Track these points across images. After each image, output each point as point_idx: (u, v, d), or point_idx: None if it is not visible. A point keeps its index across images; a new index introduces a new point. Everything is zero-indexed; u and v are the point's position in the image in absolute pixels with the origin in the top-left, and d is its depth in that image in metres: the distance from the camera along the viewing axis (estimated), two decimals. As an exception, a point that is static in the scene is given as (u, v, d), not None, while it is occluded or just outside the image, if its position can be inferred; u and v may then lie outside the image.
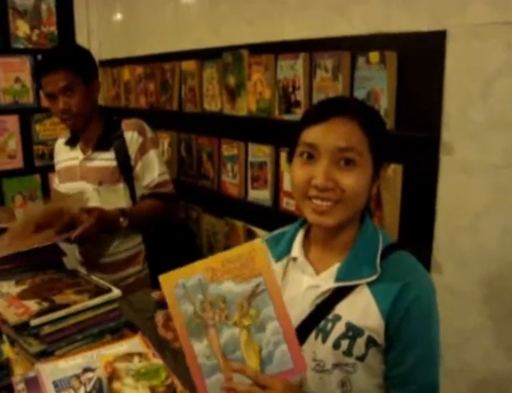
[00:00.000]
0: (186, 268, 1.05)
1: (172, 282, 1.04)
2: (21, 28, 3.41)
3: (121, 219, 2.06)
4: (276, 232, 1.34)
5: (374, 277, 1.11)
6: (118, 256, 2.22)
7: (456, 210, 1.63)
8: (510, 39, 1.45)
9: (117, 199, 2.16)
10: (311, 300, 1.16)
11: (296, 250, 1.23)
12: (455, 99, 1.58)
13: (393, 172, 1.70)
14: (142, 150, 2.17)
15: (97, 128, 2.20)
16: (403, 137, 1.68)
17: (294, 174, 1.14)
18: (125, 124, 2.20)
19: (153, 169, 2.19)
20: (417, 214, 1.72)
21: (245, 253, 1.01)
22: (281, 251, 1.26)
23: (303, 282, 1.19)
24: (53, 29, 3.54)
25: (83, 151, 2.21)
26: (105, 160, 2.16)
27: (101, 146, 2.17)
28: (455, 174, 1.61)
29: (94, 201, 2.12)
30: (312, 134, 1.10)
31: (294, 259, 1.23)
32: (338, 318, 1.12)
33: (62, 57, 2.09)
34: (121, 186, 2.18)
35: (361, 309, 1.11)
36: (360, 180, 1.08)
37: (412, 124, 1.69)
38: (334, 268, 1.16)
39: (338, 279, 1.14)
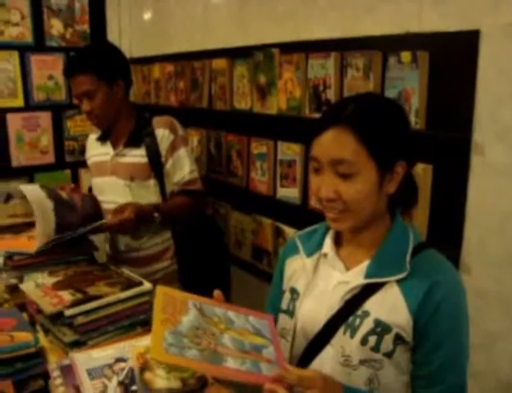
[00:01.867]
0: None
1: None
2: (55, 26, 3.48)
3: (155, 215, 2.10)
4: (307, 229, 1.36)
5: (403, 275, 1.12)
6: (147, 251, 2.25)
7: (486, 212, 1.62)
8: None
9: (148, 195, 2.20)
10: (340, 296, 1.17)
11: (327, 246, 1.25)
12: (487, 100, 1.57)
13: (424, 171, 1.69)
14: (173, 147, 2.20)
15: (129, 125, 2.24)
16: (434, 137, 1.67)
17: (310, 184, 1.22)
18: (156, 121, 2.23)
19: (183, 167, 2.22)
20: (447, 215, 1.71)
21: None
22: (313, 247, 1.28)
23: (333, 277, 1.21)
24: (86, 27, 3.60)
25: (114, 147, 2.25)
26: (136, 156, 2.20)
27: (132, 143, 2.21)
28: (486, 176, 1.60)
29: (125, 196, 2.16)
30: (315, 148, 1.15)
31: (325, 255, 1.24)
32: (366, 314, 1.13)
33: (84, 61, 2.14)
34: (151, 182, 2.21)
35: (390, 305, 1.11)
36: (360, 189, 1.10)
37: (443, 124, 1.68)
38: (363, 265, 1.17)
39: (367, 276, 1.15)
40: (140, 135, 2.20)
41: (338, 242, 1.26)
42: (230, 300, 2.73)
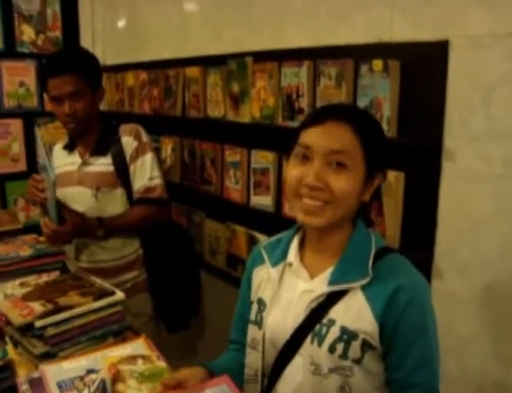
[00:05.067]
0: None
1: None
2: (26, 32, 3.44)
3: (97, 231, 2.08)
4: (272, 238, 1.35)
5: (366, 281, 1.12)
6: (115, 262, 2.22)
7: (458, 217, 1.64)
8: (510, 50, 1.47)
9: (114, 204, 2.18)
10: (305, 305, 1.17)
11: (292, 255, 1.24)
12: (457, 108, 1.60)
13: (395, 179, 1.71)
14: (136, 154, 2.17)
15: (96, 133, 2.21)
16: (405, 144, 1.69)
17: (288, 174, 1.17)
18: (122, 129, 2.21)
19: (144, 174, 2.18)
20: (419, 221, 1.73)
21: None
22: (278, 257, 1.27)
23: (298, 286, 1.20)
24: (58, 34, 3.57)
25: (81, 156, 2.21)
26: (103, 165, 2.17)
27: (98, 151, 2.18)
28: (457, 182, 1.63)
29: (92, 206, 2.14)
30: (308, 136, 1.14)
31: (290, 264, 1.24)
32: (332, 322, 1.13)
33: (72, 61, 2.09)
34: (118, 191, 2.18)
35: (355, 312, 1.11)
36: (350, 184, 1.11)
37: (414, 131, 1.70)
38: (327, 273, 1.17)
39: (330, 283, 1.15)
40: (106, 143, 2.18)
41: (302, 250, 1.25)
42: (202, 307, 2.72)
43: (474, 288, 1.62)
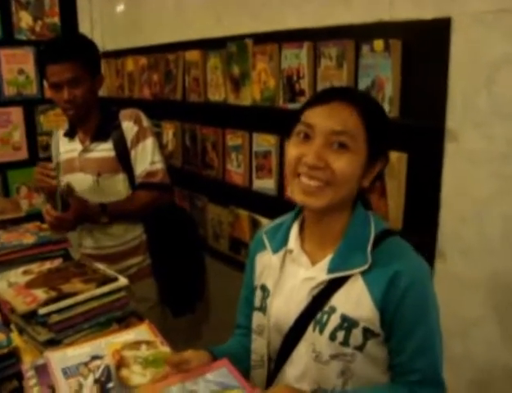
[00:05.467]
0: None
1: None
2: (24, 19, 3.41)
3: (100, 216, 2.09)
4: (272, 223, 1.34)
5: (365, 267, 1.11)
6: (119, 248, 2.24)
7: (461, 199, 1.63)
8: (514, 27, 1.45)
9: (116, 189, 2.18)
10: (307, 292, 1.16)
11: (292, 241, 1.23)
12: (460, 87, 1.58)
13: (398, 160, 1.70)
14: (136, 139, 2.17)
15: (95, 119, 2.21)
16: (408, 125, 1.68)
17: (288, 152, 1.16)
18: (122, 114, 2.21)
19: (145, 159, 2.18)
20: (422, 203, 1.72)
21: None
22: (278, 243, 1.26)
23: (300, 273, 1.20)
24: (56, 20, 3.54)
25: (82, 143, 2.22)
26: (104, 150, 2.17)
27: (98, 137, 2.18)
28: (460, 163, 1.61)
29: (94, 192, 2.15)
30: (311, 115, 1.12)
31: (291, 251, 1.23)
32: (333, 309, 1.12)
33: (70, 48, 2.08)
34: (120, 176, 2.19)
35: (355, 299, 1.11)
36: (351, 165, 1.09)
37: (417, 112, 1.68)
38: (327, 259, 1.16)
39: (330, 270, 1.14)
40: (106, 129, 2.18)
41: (302, 235, 1.24)
42: (207, 292, 2.73)
43: (478, 270, 1.61)
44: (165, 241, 2.31)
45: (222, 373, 1.12)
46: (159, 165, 2.21)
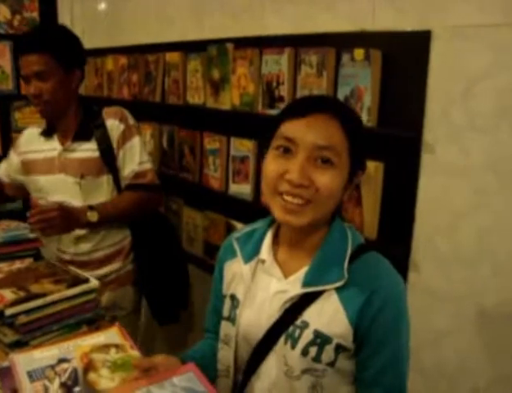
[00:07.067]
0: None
1: None
2: (2, 12, 3.36)
3: (88, 214, 1.95)
4: (245, 229, 1.29)
5: (341, 283, 1.08)
6: (98, 253, 2.13)
7: (436, 210, 1.64)
8: (493, 41, 1.47)
9: (100, 192, 2.06)
10: (279, 305, 1.13)
11: (265, 251, 1.19)
12: (438, 99, 1.60)
13: (375, 169, 1.70)
14: (124, 138, 2.05)
15: (75, 118, 2.08)
16: (385, 135, 1.68)
17: (266, 167, 1.09)
18: (106, 112, 2.08)
19: (133, 159, 2.07)
20: (397, 213, 1.73)
21: None
22: (250, 252, 1.21)
23: (272, 285, 1.16)
24: (35, 15, 3.49)
25: (62, 142, 2.07)
26: (87, 150, 2.03)
27: (81, 136, 2.04)
28: (436, 175, 1.63)
29: (75, 195, 2.03)
30: (292, 128, 1.06)
31: (263, 261, 1.19)
32: (306, 325, 1.09)
33: (42, 39, 1.95)
34: (104, 178, 2.06)
35: (329, 315, 1.08)
36: (335, 181, 1.05)
37: (395, 122, 1.69)
38: (301, 272, 1.13)
39: (305, 284, 1.10)
40: (89, 127, 2.04)
41: (276, 245, 1.20)
42: (190, 298, 2.69)
43: (451, 282, 1.63)
44: (150, 248, 2.23)
45: (189, 378, 1.10)
46: (148, 165, 2.12)
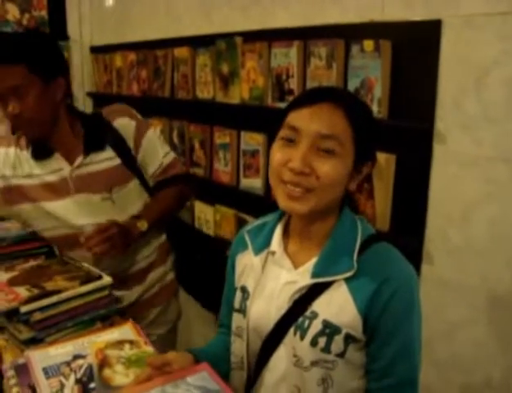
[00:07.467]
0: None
1: None
2: (11, 11, 3.36)
3: (138, 224, 1.76)
4: (256, 222, 1.30)
5: (350, 273, 1.07)
6: (135, 267, 1.92)
7: (448, 201, 1.63)
8: (504, 30, 1.45)
9: (132, 200, 1.85)
10: (288, 296, 1.13)
11: (275, 243, 1.20)
12: (449, 89, 1.58)
13: (386, 161, 1.69)
14: (139, 134, 1.83)
15: (74, 130, 1.78)
16: (397, 126, 1.68)
17: (272, 156, 1.10)
18: (108, 113, 1.84)
19: (156, 153, 1.86)
20: (409, 204, 1.72)
21: None
22: (261, 244, 1.22)
23: (281, 276, 1.16)
24: (44, 13, 3.49)
25: (69, 160, 1.75)
26: (105, 160, 1.77)
27: (93, 147, 1.76)
28: (448, 165, 1.61)
29: (105, 213, 1.76)
30: (296, 118, 1.08)
31: (273, 253, 1.19)
32: (315, 315, 1.09)
33: (13, 48, 1.61)
34: (132, 184, 1.83)
35: (338, 306, 1.08)
36: (337, 170, 1.05)
37: (406, 113, 1.68)
38: (311, 263, 1.13)
39: (314, 275, 1.11)
40: (98, 135, 1.78)
41: (286, 237, 1.21)
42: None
43: (465, 273, 1.62)
44: (185, 245, 2.15)
45: (203, 377, 1.11)
46: (172, 154, 1.93)
